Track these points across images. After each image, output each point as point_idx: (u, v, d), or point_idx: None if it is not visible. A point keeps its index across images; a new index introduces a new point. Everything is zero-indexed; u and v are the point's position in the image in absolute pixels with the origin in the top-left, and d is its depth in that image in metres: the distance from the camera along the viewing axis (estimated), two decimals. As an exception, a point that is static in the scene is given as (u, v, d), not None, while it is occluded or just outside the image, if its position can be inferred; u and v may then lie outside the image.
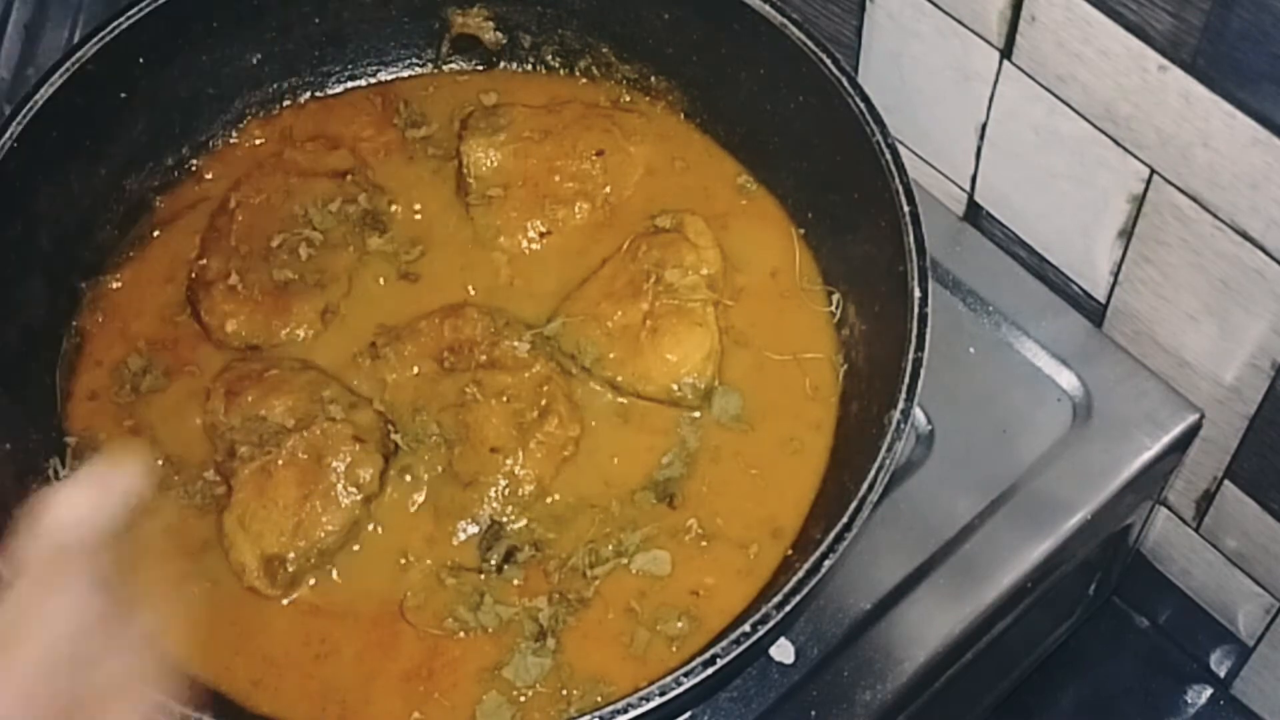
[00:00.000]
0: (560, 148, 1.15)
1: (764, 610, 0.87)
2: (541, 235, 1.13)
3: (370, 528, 1.02)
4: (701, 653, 0.86)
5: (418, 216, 1.16)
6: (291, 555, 0.99)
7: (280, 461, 1.00)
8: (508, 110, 1.17)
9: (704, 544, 1.01)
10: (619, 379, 1.06)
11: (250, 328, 1.09)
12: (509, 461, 1.02)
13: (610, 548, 1.00)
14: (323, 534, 1.00)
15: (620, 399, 1.06)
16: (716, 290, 1.08)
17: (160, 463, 1.05)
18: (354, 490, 1.01)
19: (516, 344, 1.06)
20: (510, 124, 1.16)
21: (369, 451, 1.01)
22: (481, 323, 1.07)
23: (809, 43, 1.04)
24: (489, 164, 1.14)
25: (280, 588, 0.99)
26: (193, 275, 1.12)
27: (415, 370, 1.06)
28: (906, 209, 0.98)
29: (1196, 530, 1.22)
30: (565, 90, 1.21)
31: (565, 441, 1.04)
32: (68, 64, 1.05)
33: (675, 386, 1.05)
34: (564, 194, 1.14)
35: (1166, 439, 1.10)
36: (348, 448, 1.01)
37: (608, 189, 1.15)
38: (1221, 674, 1.33)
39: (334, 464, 1.01)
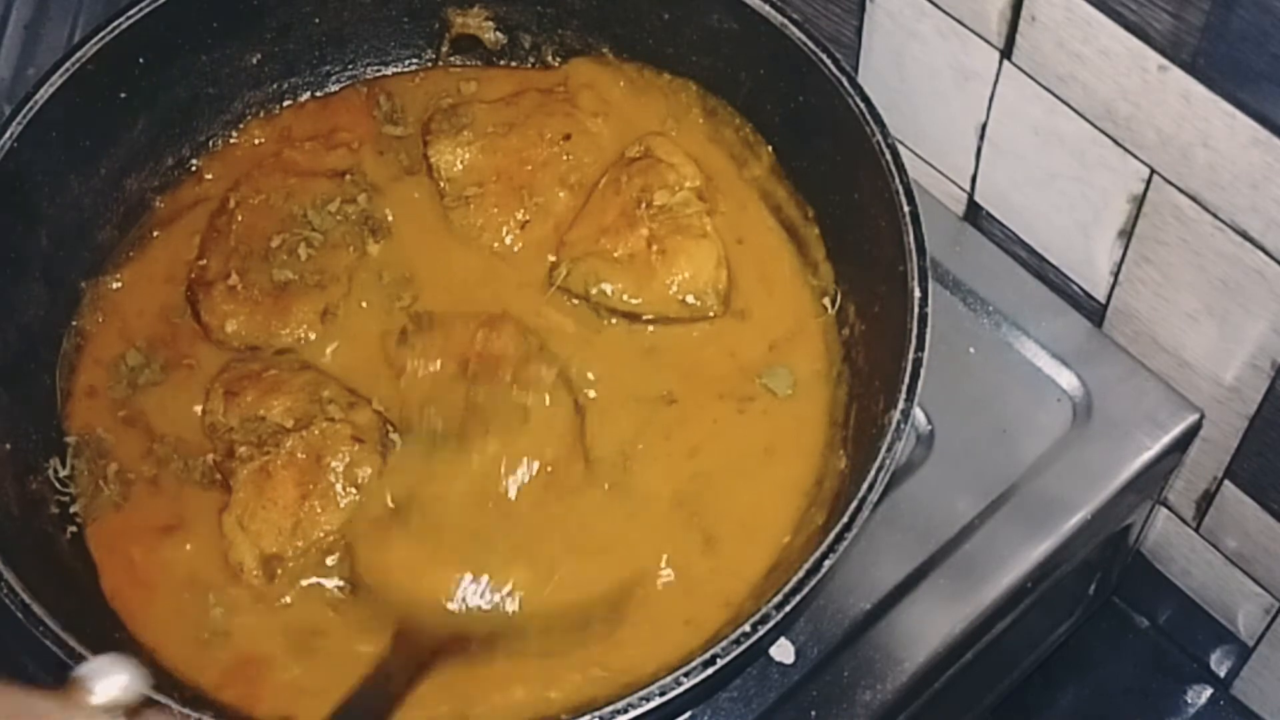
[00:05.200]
0: (526, 138, 1.14)
1: (764, 610, 0.87)
2: (523, 225, 1.13)
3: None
4: (701, 653, 0.87)
5: (409, 214, 1.15)
6: (290, 554, 0.99)
7: (279, 461, 1.00)
8: (467, 108, 1.16)
9: (703, 545, 1.01)
10: (638, 305, 1.07)
11: (250, 328, 1.09)
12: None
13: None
14: (321, 534, 0.99)
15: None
16: (706, 200, 1.09)
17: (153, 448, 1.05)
18: (353, 490, 1.01)
19: (544, 370, 1.05)
20: (472, 121, 1.15)
21: (368, 451, 1.01)
22: (514, 340, 1.06)
23: (809, 43, 1.04)
24: (459, 165, 1.13)
25: (279, 587, 0.99)
26: (192, 275, 1.12)
27: (437, 365, 1.06)
28: (906, 209, 0.98)
29: (1196, 530, 1.22)
30: (517, 80, 1.20)
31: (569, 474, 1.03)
32: (68, 64, 1.05)
33: (693, 298, 1.06)
34: (539, 182, 1.13)
35: (1166, 439, 1.10)
36: (346, 447, 1.01)
37: (579, 170, 1.14)
38: (1221, 674, 1.33)
39: (333, 464, 1.00)
